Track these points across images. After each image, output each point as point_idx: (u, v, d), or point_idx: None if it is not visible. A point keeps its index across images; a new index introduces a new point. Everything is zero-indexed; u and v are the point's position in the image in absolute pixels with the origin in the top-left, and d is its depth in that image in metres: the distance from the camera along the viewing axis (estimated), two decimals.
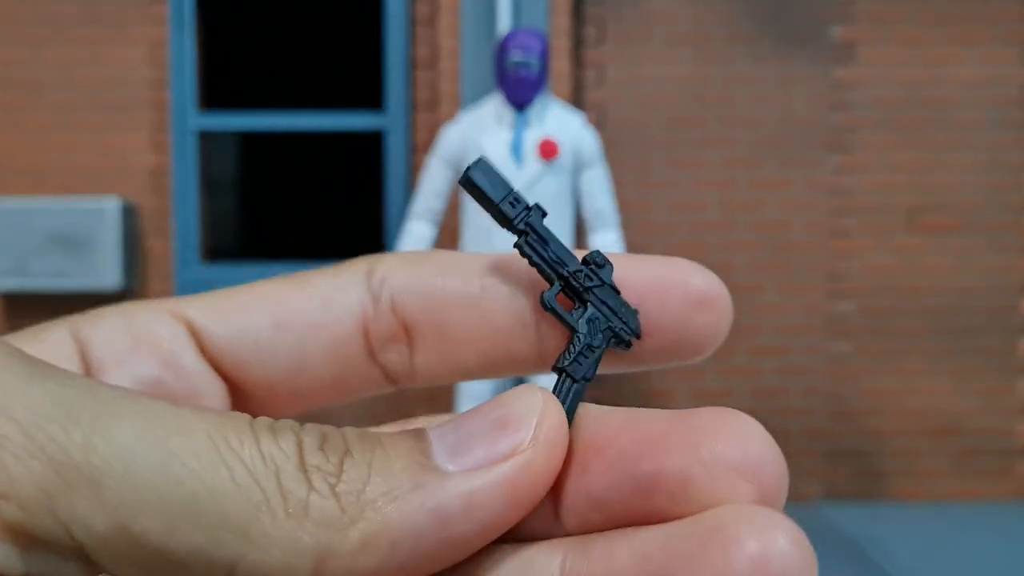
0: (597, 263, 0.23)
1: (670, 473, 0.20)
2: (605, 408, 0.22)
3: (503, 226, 0.23)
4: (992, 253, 3.06)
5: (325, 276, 0.25)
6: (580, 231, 2.52)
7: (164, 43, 3.05)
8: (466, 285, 0.24)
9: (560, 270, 0.23)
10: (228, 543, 0.18)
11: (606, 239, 2.34)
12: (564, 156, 2.26)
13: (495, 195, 0.23)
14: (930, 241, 3.06)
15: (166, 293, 3.10)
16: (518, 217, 0.23)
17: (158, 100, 3.07)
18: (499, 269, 0.24)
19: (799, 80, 3.03)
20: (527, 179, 2.24)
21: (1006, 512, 2.96)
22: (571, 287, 0.23)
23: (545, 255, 0.23)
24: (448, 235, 2.76)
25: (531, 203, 0.24)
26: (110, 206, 2.95)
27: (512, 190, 0.23)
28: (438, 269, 0.24)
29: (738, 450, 0.20)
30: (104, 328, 0.24)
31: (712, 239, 3.05)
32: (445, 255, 0.25)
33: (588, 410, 0.22)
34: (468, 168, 0.23)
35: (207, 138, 3.20)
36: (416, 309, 0.24)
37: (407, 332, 0.24)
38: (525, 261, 0.24)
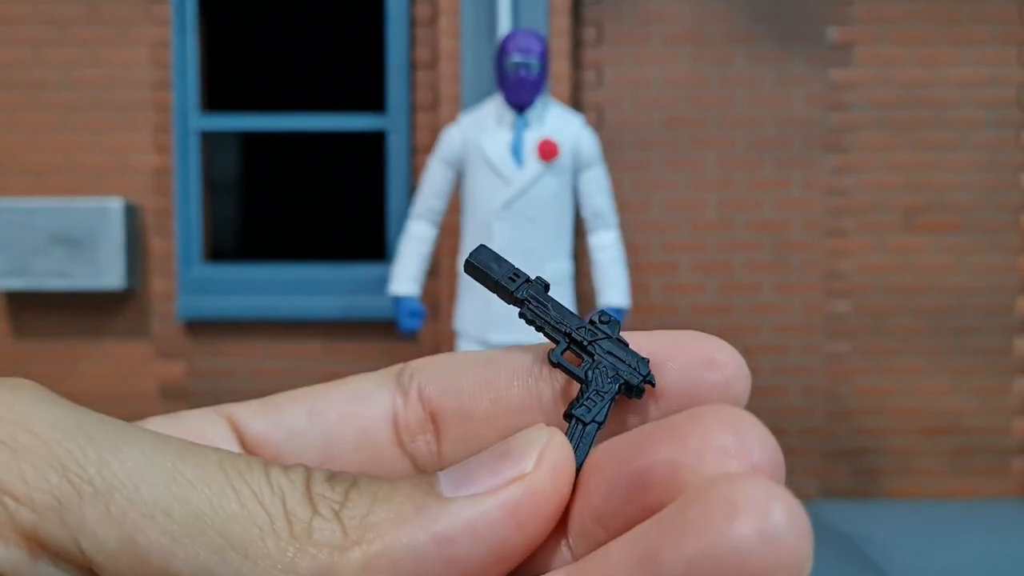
0: (602, 320, 0.24)
1: (661, 465, 0.20)
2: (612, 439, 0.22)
3: (506, 301, 0.25)
4: (989, 253, 3.07)
5: (360, 376, 0.26)
6: (579, 231, 2.53)
7: (167, 44, 3.06)
8: (483, 369, 0.25)
9: (563, 329, 0.24)
10: (231, 561, 0.19)
11: (605, 239, 2.35)
12: (564, 157, 2.27)
13: (496, 274, 0.25)
14: (927, 241, 3.07)
15: (168, 293, 3.11)
16: (519, 289, 0.25)
17: (160, 101, 3.08)
18: (511, 353, 0.25)
19: (797, 80, 3.05)
20: (527, 180, 2.25)
21: (1002, 510, 2.98)
22: (576, 342, 0.24)
23: (547, 318, 0.24)
24: (448, 235, 2.77)
25: (532, 276, 0.25)
26: (114, 206, 2.95)
27: (513, 268, 0.25)
28: (459, 360, 0.26)
29: (725, 433, 0.20)
30: (154, 425, 0.25)
31: (710, 239, 3.07)
32: (467, 352, 0.26)
33: (597, 448, 0.22)
34: (469, 255, 0.25)
35: (209, 139, 3.21)
36: (440, 396, 0.25)
37: (433, 420, 0.25)
38: (538, 347, 0.25)
